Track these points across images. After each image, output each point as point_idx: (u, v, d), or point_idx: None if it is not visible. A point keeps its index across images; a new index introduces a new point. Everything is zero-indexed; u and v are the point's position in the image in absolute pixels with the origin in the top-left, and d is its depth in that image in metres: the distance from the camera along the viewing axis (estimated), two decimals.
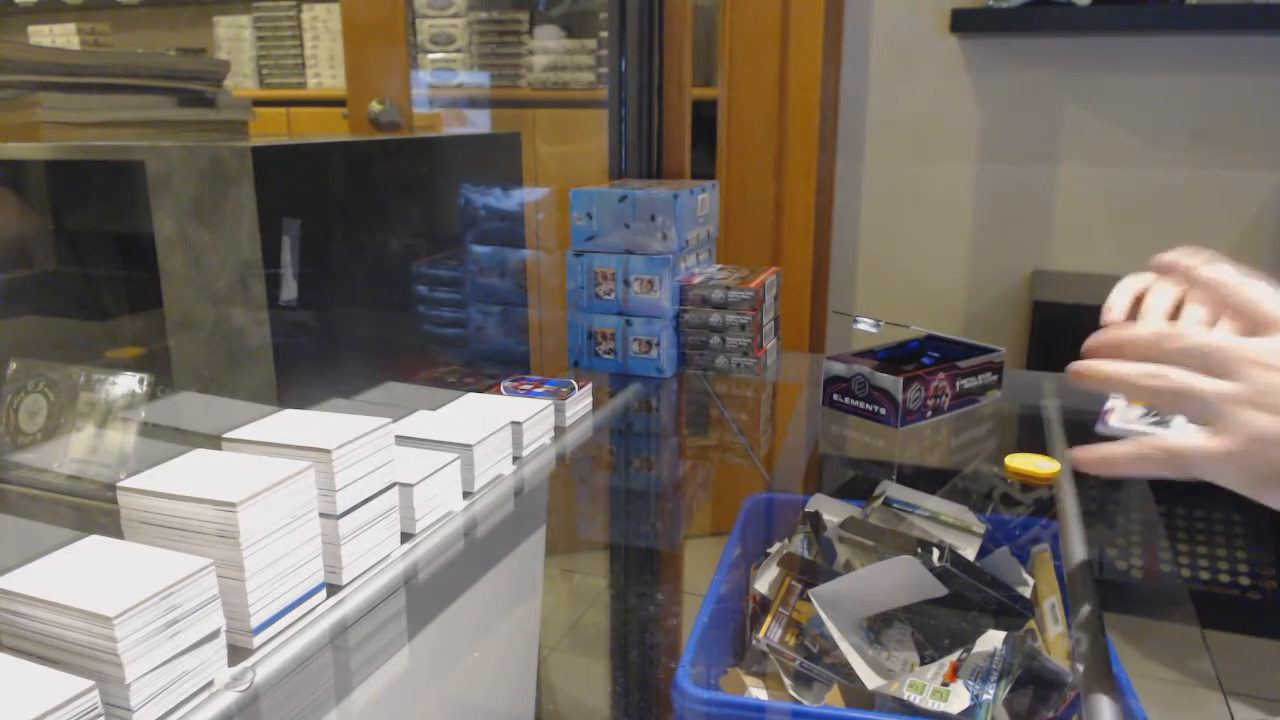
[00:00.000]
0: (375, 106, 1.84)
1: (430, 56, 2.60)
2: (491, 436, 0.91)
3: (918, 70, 2.25)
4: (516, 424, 0.96)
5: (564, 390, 1.09)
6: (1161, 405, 0.57)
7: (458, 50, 2.59)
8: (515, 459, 0.97)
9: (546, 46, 2.44)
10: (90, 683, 0.51)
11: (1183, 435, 0.55)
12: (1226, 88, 2.06)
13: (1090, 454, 0.59)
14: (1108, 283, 0.76)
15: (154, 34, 3.16)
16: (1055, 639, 0.78)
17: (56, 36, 2.64)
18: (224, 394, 0.94)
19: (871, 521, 0.91)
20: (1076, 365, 0.60)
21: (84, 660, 0.54)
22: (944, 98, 2.24)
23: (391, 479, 0.76)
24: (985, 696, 0.71)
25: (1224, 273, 0.59)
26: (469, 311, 1.29)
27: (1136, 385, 0.56)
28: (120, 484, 0.64)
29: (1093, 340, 0.61)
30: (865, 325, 1.26)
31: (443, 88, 2.61)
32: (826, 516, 0.93)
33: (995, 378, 1.20)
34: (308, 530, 0.67)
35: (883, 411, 1.11)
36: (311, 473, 0.67)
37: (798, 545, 0.91)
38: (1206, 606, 1.89)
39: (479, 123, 2.56)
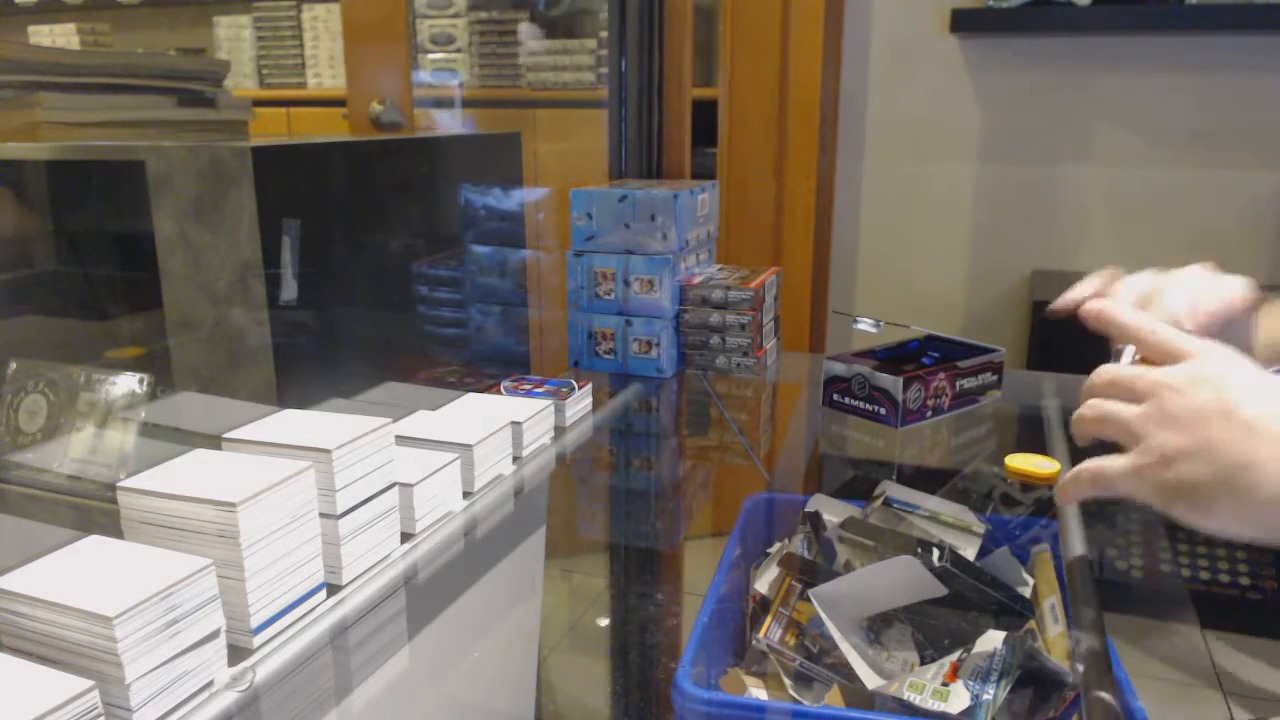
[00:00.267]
0: (376, 107, 1.84)
1: (430, 56, 2.60)
2: (491, 436, 0.91)
3: (918, 70, 2.25)
4: (516, 424, 0.96)
5: (564, 390, 1.09)
6: (1097, 433, 0.63)
7: (458, 50, 2.59)
8: (515, 459, 0.97)
9: (531, 48, 2.45)
10: (90, 683, 0.51)
11: (1105, 458, 0.61)
12: (1226, 88, 2.06)
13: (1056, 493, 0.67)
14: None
15: (154, 34, 3.16)
16: (1055, 639, 0.78)
17: (56, 36, 2.64)
18: (224, 394, 0.94)
19: (871, 521, 0.91)
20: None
21: (84, 660, 0.54)
22: (944, 98, 2.24)
23: (391, 479, 0.76)
24: (985, 696, 0.71)
25: (1139, 319, 0.65)
26: (469, 311, 1.29)
27: (1082, 419, 0.64)
28: (120, 484, 0.64)
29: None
30: (865, 325, 1.26)
31: (443, 88, 2.61)
32: (826, 516, 0.93)
33: (995, 378, 1.20)
34: (308, 530, 0.67)
35: (883, 411, 1.11)
36: (311, 473, 0.67)
37: (798, 545, 0.91)
38: (1206, 606, 1.89)
39: (479, 123, 2.56)
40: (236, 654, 0.62)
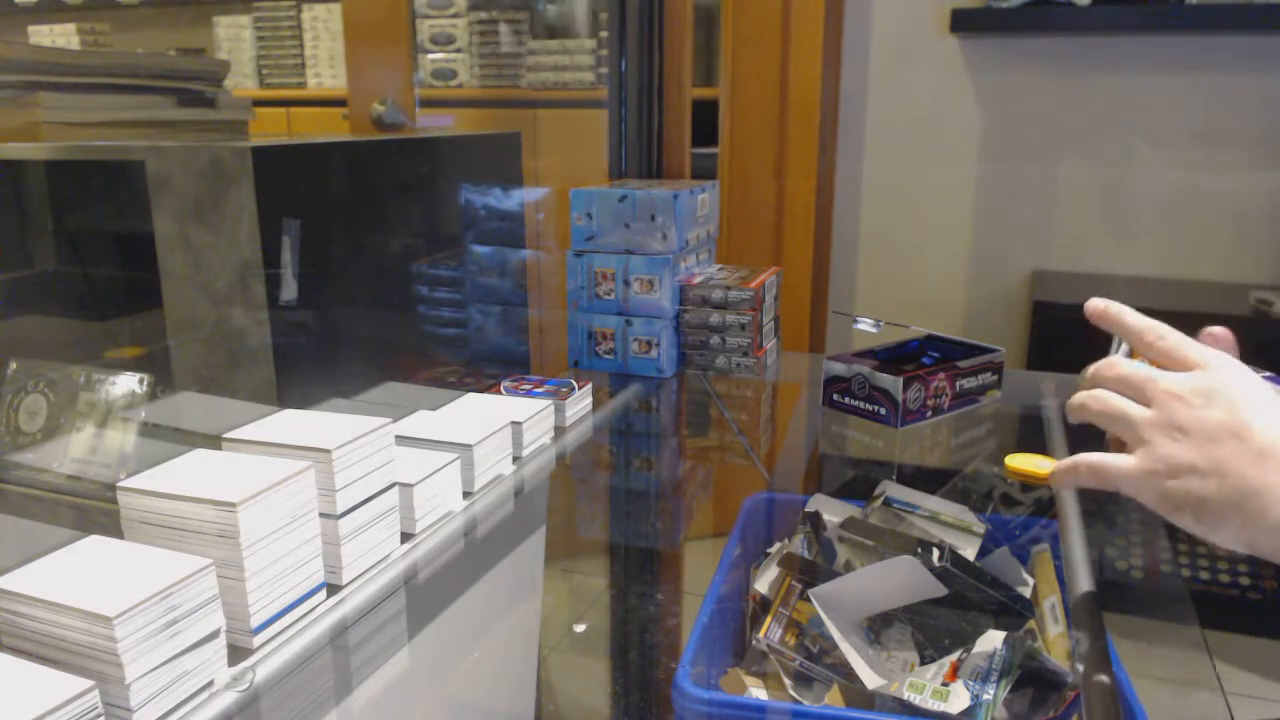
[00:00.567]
0: (377, 107, 1.83)
1: (430, 56, 2.60)
2: (491, 436, 0.91)
3: (918, 70, 2.25)
4: (516, 424, 0.96)
5: (564, 390, 1.09)
6: (1101, 425, 0.63)
7: (458, 50, 2.59)
8: (515, 459, 0.97)
9: (531, 48, 2.44)
10: (90, 683, 0.51)
11: (1109, 455, 0.62)
12: (1226, 88, 2.06)
13: (1052, 472, 0.67)
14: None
15: (154, 34, 3.16)
16: (1055, 639, 0.78)
17: (56, 36, 2.64)
18: (224, 394, 0.94)
19: (871, 521, 0.91)
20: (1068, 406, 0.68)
21: (84, 660, 0.54)
22: (944, 98, 2.24)
23: (391, 479, 0.76)
24: (985, 696, 0.71)
25: (1147, 323, 0.63)
26: (469, 311, 1.29)
27: (1084, 406, 0.64)
28: (120, 484, 0.64)
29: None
30: (865, 325, 1.26)
31: (443, 88, 2.61)
32: (826, 516, 0.93)
33: (995, 378, 1.20)
34: (308, 530, 0.67)
35: (883, 411, 1.11)
36: (311, 473, 0.67)
37: (798, 545, 0.91)
38: (1206, 606, 1.89)
39: (479, 123, 2.56)
40: (236, 654, 0.62)
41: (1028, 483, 1.01)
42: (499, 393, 1.08)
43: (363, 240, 1.06)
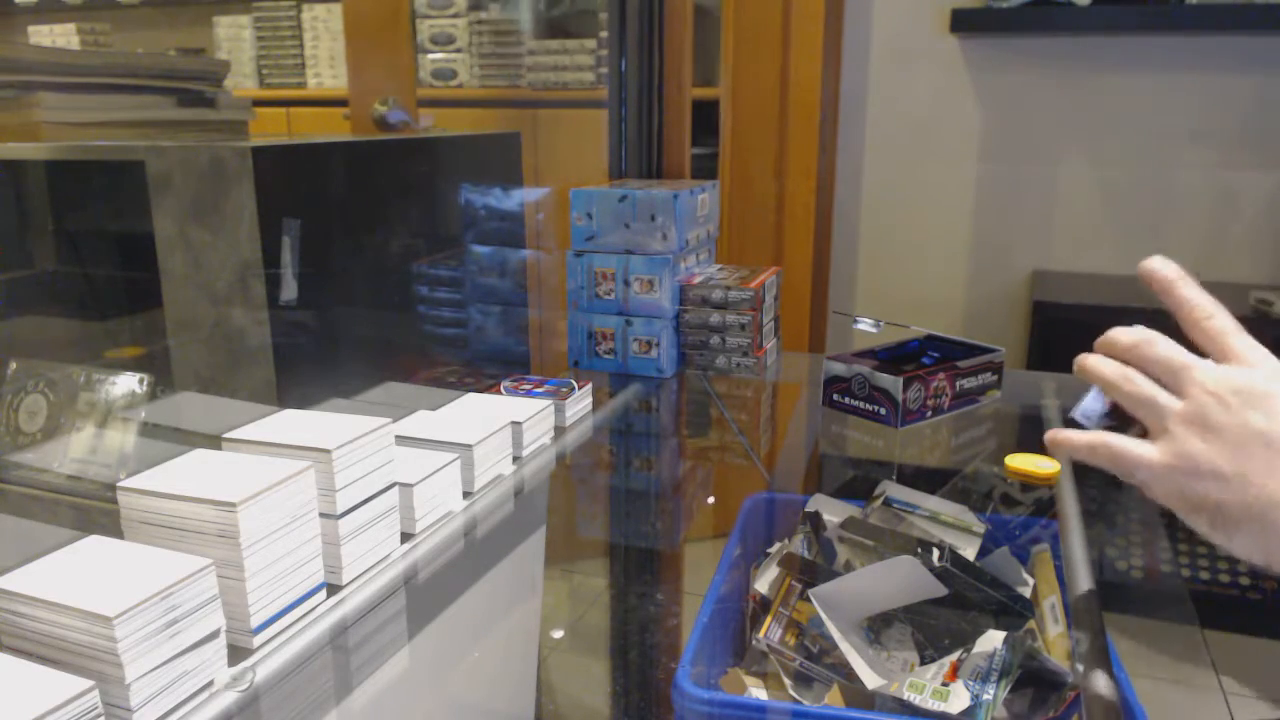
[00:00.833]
0: (379, 107, 1.83)
1: (430, 56, 2.60)
2: (491, 436, 0.91)
3: (918, 70, 2.25)
4: (516, 424, 0.96)
5: (564, 390, 1.09)
6: (1126, 406, 0.60)
7: (458, 50, 2.59)
8: (515, 459, 0.97)
9: (531, 48, 2.44)
10: (90, 683, 0.51)
11: (1130, 441, 0.59)
12: (1226, 88, 2.06)
13: (1055, 435, 0.64)
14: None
15: (154, 34, 3.16)
16: (1055, 639, 0.78)
17: (56, 36, 2.64)
18: (224, 394, 0.94)
19: (871, 521, 0.91)
20: (1079, 357, 0.63)
21: (84, 660, 0.54)
22: (944, 98, 2.24)
23: (391, 479, 0.76)
24: (985, 696, 0.71)
25: (1198, 298, 0.59)
26: (469, 311, 1.29)
27: (1110, 382, 0.60)
28: (120, 484, 0.64)
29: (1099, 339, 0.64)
30: (865, 325, 1.26)
31: (443, 88, 2.61)
32: (826, 516, 0.93)
33: (995, 378, 1.20)
34: (308, 530, 0.67)
35: (883, 411, 1.11)
36: (311, 473, 0.67)
37: (798, 545, 0.91)
38: (1206, 606, 1.89)
39: (479, 123, 2.56)
40: (236, 654, 0.62)
41: (1028, 483, 1.01)
42: (499, 393, 1.08)
43: (363, 240, 1.06)
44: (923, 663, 0.79)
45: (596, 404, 1.16)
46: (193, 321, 0.94)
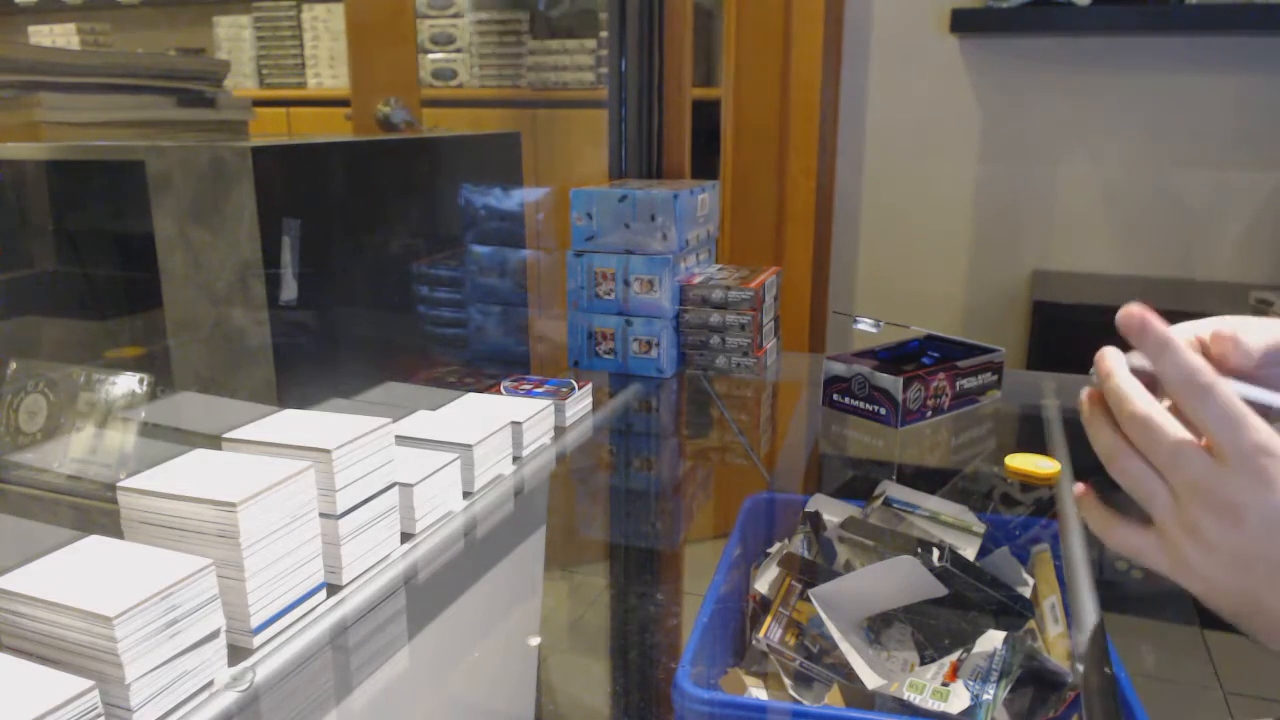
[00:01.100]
0: (383, 108, 1.83)
1: (430, 56, 2.60)
2: (491, 436, 0.91)
3: (918, 70, 2.25)
4: (516, 424, 0.96)
5: (564, 390, 1.09)
6: (1114, 476, 0.53)
7: (458, 50, 2.59)
8: (515, 459, 0.97)
9: (531, 48, 2.44)
10: (90, 683, 0.51)
11: (1140, 535, 0.53)
12: (1226, 88, 2.06)
13: (1081, 493, 0.58)
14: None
15: (154, 34, 3.16)
16: (1055, 639, 0.78)
17: (56, 36, 2.64)
18: (224, 394, 0.94)
19: (871, 521, 0.91)
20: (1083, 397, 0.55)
21: (84, 660, 0.54)
22: (944, 98, 2.24)
23: (391, 479, 0.76)
24: (985, 696, 0.71)
25: (1187, 373, 0.47)
26: (469, 311, 1.29)
27: (1106, 455, 0.53)
28: (120, 484, 0.64)
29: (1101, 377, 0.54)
30: (865, 325, 1.26)
31: (443, 88, 2.61)
32: (826, 516, 0.93)
33: (995, 378, 1.20)
34: (308, 530, 0.67)
35: (883, 411, 1.11)
36: (311, 473, 0.67)
37: (798, 545, 0.90)
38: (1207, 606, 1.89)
39: (479, 123, 2.56)
40: (236, 654, 0.62)
41: (1028, 483, 1.01)
42: (499, 393, 1.08)
43: (363, 240, 1.06)
44: (923, 663, 0.79)
45: (596, 404, 1.16)
46: (193, 321, 0.94)
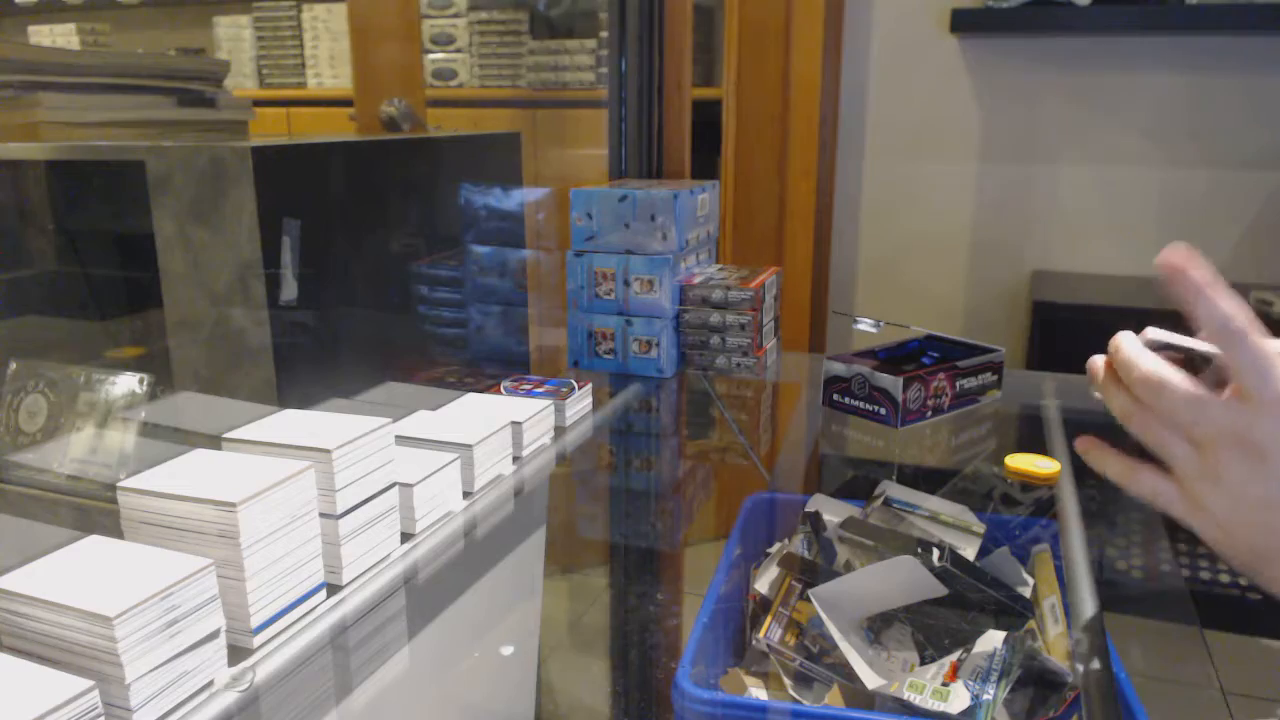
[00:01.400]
0: (387, 108, 1.83)
1: (430, 56, 2.60)
2: (491, 436, 0.91)
3: (918, 70, 2.25)
4: (516, 424, 0.96)
5: (564, 390, 1.09)
6: (1136, 436, 0.55)
7: (458, 50, 2.59)
8: (515, 459, 0.97)
9: (531, 48, 2.44)
10: (90, 683, 0.51)
11: (1168, 486, 0.54)
12: (1226, 88, 2.06)
13: (1090, 445, 0.59)
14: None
15: (154, 34, 3.16)
16: (1055, 639, 0.78)
17: (56, 36, 2.64)
18: (224, 394, 0.94)
19: (871, 521, 0.91)
20: (1092, 363, 0.57)
21: (84, 660, 0.54)
22: (944, 98, 2.24)
23: (391, 479, 0.76)
24: (985, 696, 0.71)
25: (1226, 318, 0.49)
26: (469, 311, 1.29)
27: (1125, 415, 0.54)
28: (120, 484, 0.64)
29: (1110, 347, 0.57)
30: (865, 325, 1.26)
31: (443, 88, 2.61)
32: (826, 516, 0.93)
33: (995, 378, 1.20)
34: (308, 530, 0.67)
35: (883, 411, 1.11)
36: (311, 473, 0.67)
37: (798, 545, 0.91)
38: (1206, 606, 1.89)
39: (479, 123, 2.56)
40: (236, 654, 0.62)
41: (1028, 483, 1.01)
42: (499, 393, 1.08)
43: (363, 240, 1.06)
44: (923, 663, 0.79)
45: (596, 404, 1.16)
46: (193, 321, 0.94)
